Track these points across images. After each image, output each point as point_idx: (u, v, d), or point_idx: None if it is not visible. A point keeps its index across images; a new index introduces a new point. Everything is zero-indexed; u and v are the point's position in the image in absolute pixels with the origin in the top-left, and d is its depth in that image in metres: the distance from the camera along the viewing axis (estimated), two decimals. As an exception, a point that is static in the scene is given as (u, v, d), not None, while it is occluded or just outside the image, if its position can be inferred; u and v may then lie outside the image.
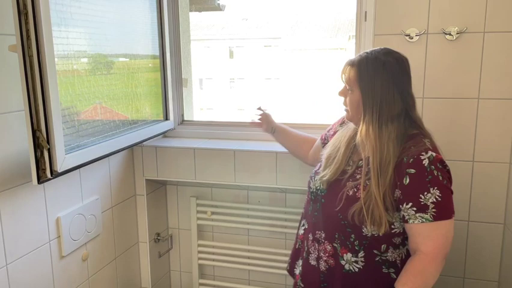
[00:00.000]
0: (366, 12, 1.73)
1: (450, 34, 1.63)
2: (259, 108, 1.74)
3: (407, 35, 1.67)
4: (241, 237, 2.12)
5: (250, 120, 1.78)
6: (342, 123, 1.48)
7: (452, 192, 1.20)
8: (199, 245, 2.15)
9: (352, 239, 1.25)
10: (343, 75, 1.29)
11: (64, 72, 1.42)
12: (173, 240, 2.23)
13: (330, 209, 1.29)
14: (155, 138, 2.02)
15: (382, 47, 1.28)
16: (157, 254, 2.14)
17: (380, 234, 1.21)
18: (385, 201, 1.19)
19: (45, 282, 1.53)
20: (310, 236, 1.36)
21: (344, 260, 1.28)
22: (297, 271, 1.44)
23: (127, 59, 1.80)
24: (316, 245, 1.34)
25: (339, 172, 1.30)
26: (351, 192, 1.24)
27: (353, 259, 1.27)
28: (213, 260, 2.15)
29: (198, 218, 2.12)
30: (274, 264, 2.05)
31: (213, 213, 2.09)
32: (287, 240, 2.06)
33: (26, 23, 1.20)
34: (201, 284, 2.19)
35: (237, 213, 2.06)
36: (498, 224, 1.71)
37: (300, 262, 1.44)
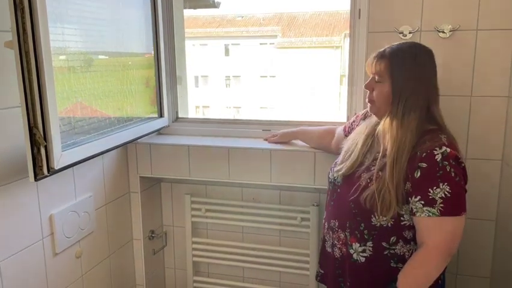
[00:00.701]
0: (360, 9, 1.74)
1: (443, 32, 1.64)
2: (272, 135, 1.91)
3: (400, 33, 1.67)
4: (236, 235, 2.13)
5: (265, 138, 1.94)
6: (365, 117, 1.50)
7: (465, 190, 1.20)
8: (193, 242, 2.15)
9: (362, 228, 1.28)
10: (373, 67, 1.29)
11: (59, 69, 1.42)
12: (168, 237, 2.23)
13: (344, 199, 1.32)
14: (149, 136, 2.02)
15: (409, 41, 1.33)
16: (151, 251, 2.14)
17: (388, 219, 1.23)
18: (397, 191, 1.21)
19: (38, 279, 1.52)
20: (326, 224, 1.42)
21: (352, 249, 1.31)
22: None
23: (121, 56, 1.80)
24: (331, 232, 1.38)
25: (355, 166, 1.33)
26: (364, 183, 1.27)
27: (360, 248, 1.29)
28: (208, 257, 2.15)
29: (193, 215, 2.12)
30: (269, 261, 2.05)
31: (207, 210, 2.09)
32: (281, 238, 2.06)
33: (23, 18, 1.19)
34: (195, 281, 2.19)
35: (231, 211, 2.07)
36: (490, 220, 1.72)
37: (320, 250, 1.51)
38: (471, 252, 1.77)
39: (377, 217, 1.24)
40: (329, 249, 1.41)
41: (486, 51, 1.62)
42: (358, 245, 1.29)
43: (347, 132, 1.59)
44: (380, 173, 1.25)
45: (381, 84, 1.28)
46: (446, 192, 1.16)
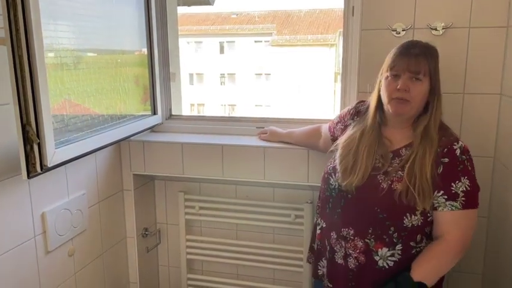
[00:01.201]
0: (353, 7, 1.74)
1: (436, 29, 1.64)
2: (262, 132, 1.92)
3: (393, 30, 1.67)
4: (230, 232, 2.13)
5: (257, 136, 1.94)
6: (352, 115, 1.46)
7: (477, 183, 1.25)
8: (187, 240, 2.15)
9: (391, 232, 1.25)
10: (414, 66, 1.24)
11: (52, 66, 1.41)
12: (162, 235, 2.22)
13: (364, 205, 1.27)
14: (143, 133, 2.01)
15: (416, 39, 1.35)
16: (145, 249, 2.13)
17: (419, 218, 1.23)
18: (432, 181, 1.22)
19: (30, 277, 1.52)
20: (334, 234, 1.34)
21: (378, 255, 1.27)
22: (322, 272, 1.43)
23: (114, 53, 1.79)
24: (343, 242, 1.32)
25: (367, 175, 1.27)
26: (385, 185, 1.25)
27: (389, 253, 1.26)
28: (201, 254, 2.15)
29: (186, 213, 2.11)
30: (263, 258, 2.05)
31: (201, 208, 2.09)
32: (275, 235, 2.07)
33: (15, 14, 1.18)
34: (189, 279, 2.19)
35: (225, 208, 2.06)
36: (482, 217, 1.73)
37: (324, 262, 1.42)
38: (463, 249, 1.78)
39: (409, 218, 1.23)
40: (340, 261, 1.33)
41: (478, 49, 1.63)
42: (386, 249, 1.26)
43: (332, 133, 1.55)
44: (400, 173, 1.24)
45: (420, 83, 1.24)
46: (467, 186, 1.21)
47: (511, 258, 1.47)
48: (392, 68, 1.27)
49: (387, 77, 1.28)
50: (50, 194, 1.57)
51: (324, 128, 1.64)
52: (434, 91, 1.26)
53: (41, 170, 1.30)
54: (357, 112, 1.46)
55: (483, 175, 1.69)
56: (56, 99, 1.41)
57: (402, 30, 1.67)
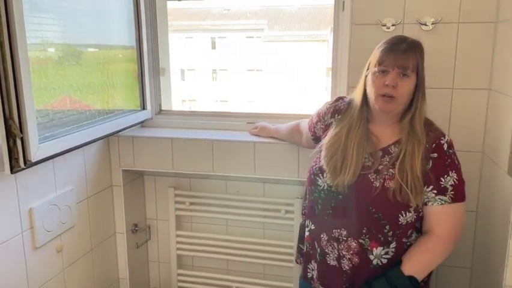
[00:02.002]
0: (344, 2, 1.74)
1: (426, 24, 1.64)
2: (253, 127, 1.91)
3: (383, 25, 1.67)
4: (220, 227, 2.12)
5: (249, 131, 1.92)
6: (334, 114, 1.42)
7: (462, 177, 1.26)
8: (177, 236, 2.14)
9: (386, 230, 1.25)
10: (402, 62, 1.22)
11: (36, 60, 1.39)
12: (152, 231, 2.21)
13: (356, 205, 1.26)
14: (132, 128, 1.99)
15: (402, 35, 1.33)
16: (134, 245, 2.12)
17: (413, 214, 1.24)
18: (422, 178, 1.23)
19: (18, 273, 1.50)
20: (324, 236, 1.33)
21: (373, 254, 1.27)
22: (312, 274, 1.41)
23: (103, 48, 1.76)
24: (335, 244, 1.30)
25: (358, 172, 1.26)
26: (378, 184, 1.24)
27: (383, 251, 1.26)
28: (192, 250, 2.14)
29: (176, 209, 2.10)
30: (253, 253, 2.05)
31: (191, 203, 2.08)
32: (266, 230, 2.07)
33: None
34: (179, 274, 2.18)
35: (215, 204, 2.06)
36: (471, 211, 1.74)
37: (313, 265, 1.40)
38: (452, 243, 1.80)
39: (404, 215, 1.23)
40: (333, 263, 1.31)
41: (467, 44, 1.63)
42: (381, 248, 1.26)
43: (313, 133, 1.51)
44: (391, 170, 1.24)
45: (408, 79, 1.22)
46: (455, 180, 1.22)
47: (499, 253, 1.48)
48: (380, 63, 1.24)
49: (375, 72, 1.25)
50: (37, 190, 1.55)
51: (304, 126, 1.59)
52: (419, 87, 1.26)
53: (25, 165, 1.28)
54: (337, 110, 1.41)
55: (471, 170, 1.71)
56: (40, 94, 1.39)
57: (392, 25, 1.67)
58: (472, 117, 1.68)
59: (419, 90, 1.26)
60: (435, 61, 1.66)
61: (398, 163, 1.23)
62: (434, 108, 1.68)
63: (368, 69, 1.31)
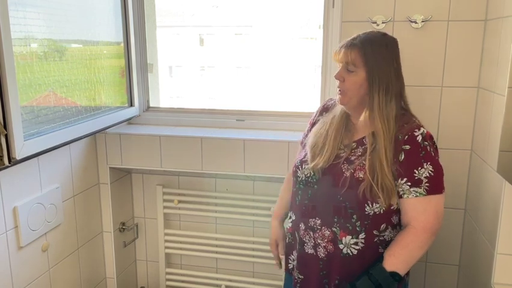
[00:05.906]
0: (334, -2, 1.73)
1: (415, 22, 1.64)
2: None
3: (373, 22, 1.67)
4: (209, 226, 2.10)
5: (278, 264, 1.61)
6: (322, 112, 1.45)
7: (442, 168, 1.24)
8: (165, 234, 2.12)
9: (354, 220, 1.26)
10: (342, 56, 1.26)
11: (21, 56, 1.35)
12: (139, 229, 2.18)
13: (328, 194, 1.28)
14: (119, 125, 1.96)
15: (374, 30, 1.32)
16: (122, 243, 2.09)
17: (392, 203, 1.23)
18: (393, 177, 1.22)
19: (2, 274, 1.47)
20: (302, 226, 1.35)
21: (342, 243, 1.28)
22: (293, 265, 1.43)
23: (89, 44, 1.73)
24: (311, 233, 1.32)
25: (333, 158, 1.29)
26: (348, 174, 1.25)
27: (353, 241, 1.27)
28: (180, 248, 2.12)
29: (165, 207, 2.08)
30: (242, 252, 2.04)
31: (179, 201, 2.06)
32: (255, 228, 2.05)
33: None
34: (167, 273, 2.16)
35: (204, 202, 2.04)
36: (459, 209, 1.75)
37: (294, 256, 1.42)
38: (440, 241, 1.80)
39: (370, 205, 1.24)
40: (311, 251, 1.34)
41: (457, 42, 1.64)
42: (350, 237, 1.27)
43: (302, 141, 1.49)
44: (363, 162, 1.24)
45: (354, 73, 1.26)
46: (430, 172, 1.21)
47: (487, 250, 1.49)
48: (335, 59, 1.31)
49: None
50: (21, 188, 1.52)
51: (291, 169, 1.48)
52: (374, 82, 1.24)
53: (10, 163, 1.25)
54: (325, 108, 1.46)
55: (460, 167, 1.72)
56: (25, 90, 1.36)
57: (382, 23, 1.66)
58: (461, 115, 1.68)
59: (373, 84, 1.25)
60: (425, 59, 1.67)
61: (367, 160, 1.24)
62: (424, 106, 1.69)
63: None
